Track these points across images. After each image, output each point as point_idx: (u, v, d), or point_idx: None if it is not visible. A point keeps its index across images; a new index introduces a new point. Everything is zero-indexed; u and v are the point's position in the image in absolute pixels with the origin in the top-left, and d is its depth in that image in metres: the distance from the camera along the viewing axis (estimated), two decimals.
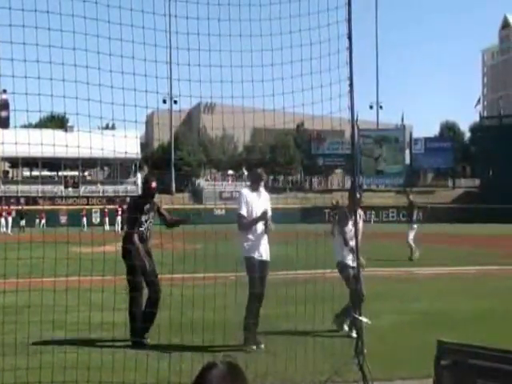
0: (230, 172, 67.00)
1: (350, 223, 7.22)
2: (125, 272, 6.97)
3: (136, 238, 6.94)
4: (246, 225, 6.62)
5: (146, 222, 7.11)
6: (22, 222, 38.67)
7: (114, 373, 5.23)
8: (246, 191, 6.84)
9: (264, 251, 6.70)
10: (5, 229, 37.29)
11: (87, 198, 53.72)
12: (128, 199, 8.31)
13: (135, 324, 6.81)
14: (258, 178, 6.95)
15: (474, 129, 71.08)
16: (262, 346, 6.22)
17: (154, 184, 7.25)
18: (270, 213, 6.67)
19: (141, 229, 7.04)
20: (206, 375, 1.69)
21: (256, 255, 6.62)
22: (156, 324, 6.77)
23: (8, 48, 5.19)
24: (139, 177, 52.82)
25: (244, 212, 6.64)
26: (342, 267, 7.49)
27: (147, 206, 7.13)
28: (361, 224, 7.43)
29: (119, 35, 5.48)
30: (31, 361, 5.35)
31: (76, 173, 59.39)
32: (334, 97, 5.51)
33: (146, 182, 7.43)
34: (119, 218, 36.07)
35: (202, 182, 61.97)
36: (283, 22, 5.57)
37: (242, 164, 66.88)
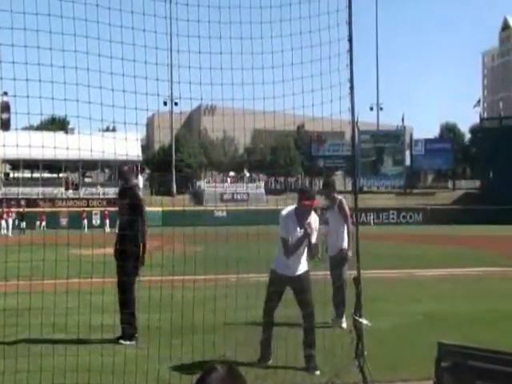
0: (232, 174, 67.03)
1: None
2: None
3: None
4: (290, 249, 5.89)
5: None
6: (23, 224, 38.69)
7: (114, 375, 5.23)
8: (287, 212, 6.04)
9: (294, 266, 5.98)
10: (5, 231, 37.30)
11: (87, 199, 53.76)
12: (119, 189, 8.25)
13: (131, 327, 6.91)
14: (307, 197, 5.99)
15: (474, 130, 71.12)
16: (269, 362, 6.05)
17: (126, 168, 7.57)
18: (314, 236, 5.91)
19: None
20: (205, 379, 1.70)
21: (279, 269, 6.03)
22: (157, 326, 6.77)
23: (9, 50, 5.21)
24: (141, 179, 52.89)
25: (286, 235, 5.92)
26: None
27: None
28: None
29: (120, 38, 5.50)
30: (32, 363, 5.35)
31: (76, 175, 59.48)
32: (334, 99, 5.52)
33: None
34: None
35: (202, 183, 61.98)
36: (284, 25, 5.58)
37: (243, 166, 66.92)
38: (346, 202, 8.09)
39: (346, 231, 7.99)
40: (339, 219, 7.98)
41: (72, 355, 5.70)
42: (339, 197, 8.12)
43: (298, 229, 5.90)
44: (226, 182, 63.02)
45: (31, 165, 57.17)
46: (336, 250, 7.95)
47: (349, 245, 7.84)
